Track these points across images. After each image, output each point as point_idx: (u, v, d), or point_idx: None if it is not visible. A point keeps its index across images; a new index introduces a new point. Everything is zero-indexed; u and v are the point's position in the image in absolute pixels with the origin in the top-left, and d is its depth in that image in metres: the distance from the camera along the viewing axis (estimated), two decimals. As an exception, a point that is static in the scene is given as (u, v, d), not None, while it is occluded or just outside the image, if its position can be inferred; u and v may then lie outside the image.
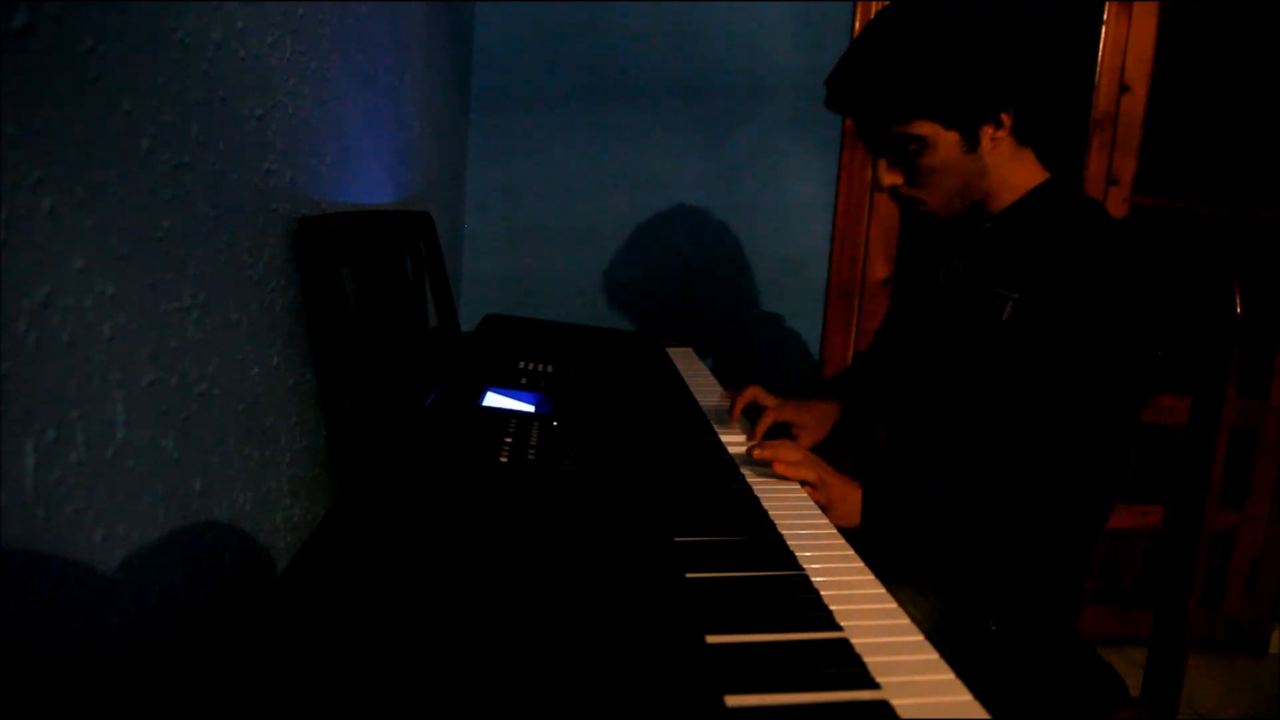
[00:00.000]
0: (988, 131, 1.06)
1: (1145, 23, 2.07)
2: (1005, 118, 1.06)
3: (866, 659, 0.58)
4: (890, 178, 1.11)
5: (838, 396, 1.38)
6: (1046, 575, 1.12)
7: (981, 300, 1.12)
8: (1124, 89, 2.08)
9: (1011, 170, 1.11)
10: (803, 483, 0.99)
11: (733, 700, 0.52)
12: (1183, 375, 1.10)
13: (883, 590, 0.71)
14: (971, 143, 1.06)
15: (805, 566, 0.74)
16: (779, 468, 0.99)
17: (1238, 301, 1.05)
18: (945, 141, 1.06)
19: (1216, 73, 2.20)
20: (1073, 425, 1.01)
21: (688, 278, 2.13)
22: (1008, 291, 1.08)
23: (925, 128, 1.05)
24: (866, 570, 0.75)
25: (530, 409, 1.13)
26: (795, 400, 1.30)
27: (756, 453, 1.01)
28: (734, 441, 1.13)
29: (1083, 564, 1.15)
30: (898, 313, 1.47)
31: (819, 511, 0.90)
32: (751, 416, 1.22)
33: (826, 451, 1.18)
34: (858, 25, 2.04)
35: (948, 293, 1.23)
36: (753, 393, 1.24)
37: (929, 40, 1.04)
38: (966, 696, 0.55)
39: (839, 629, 0.63)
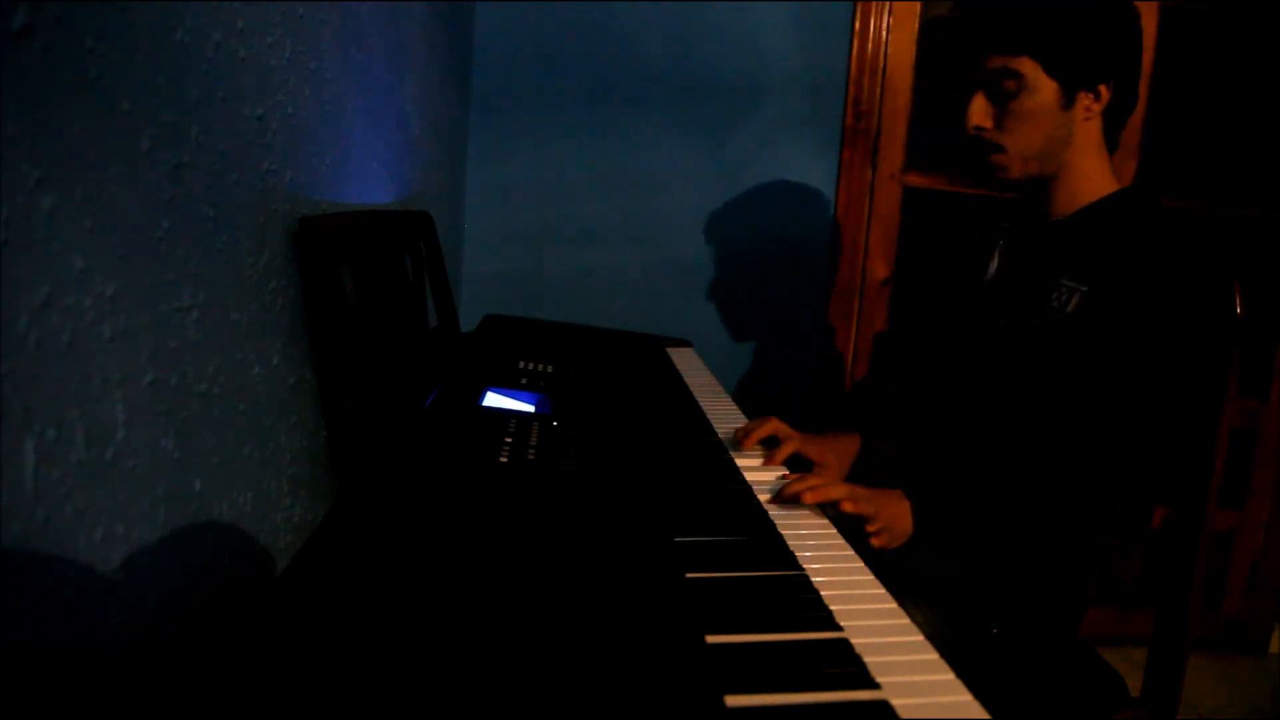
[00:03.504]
0: (1084, 98, 1.07)
1: (1145, 23, 2.05)
2: (1104, 90, 1.07)
3: (866, 659, 0.58)
4: (980, 117, 1.10)
5: (854, 428, 1.30)
6: (1051, 577, 1.11)
7: (1042, 290, 1.10)
8: (1124, 89, 2.08)
9: (1092, 165, 1.11)
10: (862, 519, 0.93)
11: (733, 700, 0.52)
12: (1183, 375, 1.10)
13: (883, 590, 0.71)
14: (1068, 100, 1.07)
15: (805, 566, 0.74)
16: (846, 506, 0.92)
17: (1238, 301, 1.05)
18: (1043, 88, 1.06)
19: (1216, 73, 2.20)
20: (1118, 423, 1.01)
21: (687, 278, 2.13)
22: (1075, 283, 1.07)
23: (1028, 66, 1.06)
24: (866, 570, 0.75)
25: (530, 409, 1.13)
26: (815, 435, 1.20)
27: (798, 492, 0.90)
28: (744, 457, 1.08)
29: (1086, 565, 1.14)
30: (924, 317, 1.42)
31: (819, 510, 0.90)
32: (768, 448, 1.12)
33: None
34: (857, 25, 2.04)
35: (997, 286, 1.20)
36: (773, 426, 1.12)
37: None
38: (966, 696, 0.55)
39: (839, 629, 0.63)
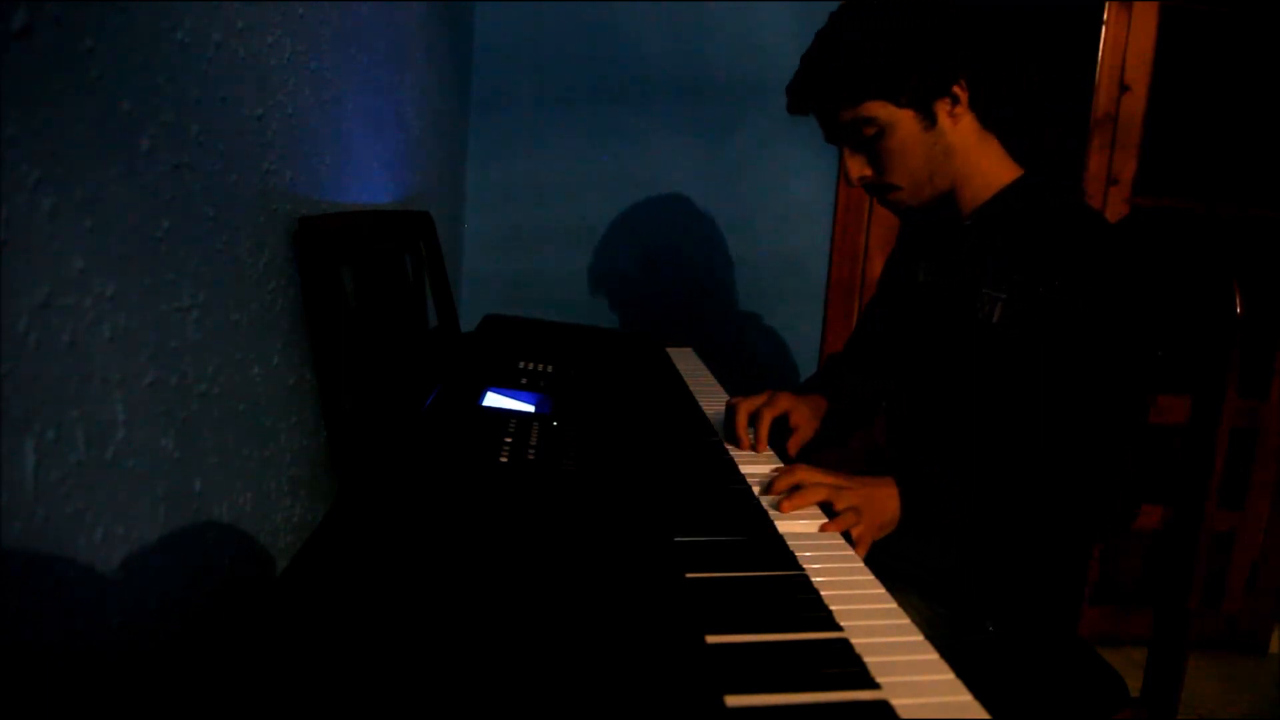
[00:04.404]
0: (944, 107, 1.05)
1: (1145, 23, 2.07)
2: (959, 92, 1.05)
3: (866, 659, 0.58)
4: (858, 169, 1.10)
5: (821, 391, 1.31)
6: (1046, 575, 1.11)
7: (968, 301, 1.10)
8: (1124, 89, 2.08)
9: (981, 158, 1.10)
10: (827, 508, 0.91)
11: (733, 700, 0.52)
12: (1183, 375, 1.10)
13: (883, 590, 0.71)
14: (929, 119, 1.05)
15: (805, 566, 0.74)
16: (829, 527, 0.86)
17: (1238, 301, 1.05)
18: (901, 120, 1.05)
19: (1216, 73, 2.20)
20: (1074, 426, 1.00)
21: (688, 278, 2.13)
22: (995, 292, 1.07)
23: (877, 109, 1.04)
24: (866, 570, 0.75)
25: (530, 409, 1.13)
26: (785, 391, 1.21)
27: (785, 507, 0.88)
28: (747, 463, 1.07)
29: (1082, 563, 1.14)
30: (880, 309, 1.41)
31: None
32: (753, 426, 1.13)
33: (816, 453, 1.15)
34: (858, 25, 2.04)
35: (929, 293, 1.20)
36: (744, 406, 1.12)
37: (866, 18, 1.06)
38: (966, 697, 0.55)
39: (839, 629, 0.63)
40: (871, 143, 1.07)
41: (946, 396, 1.15)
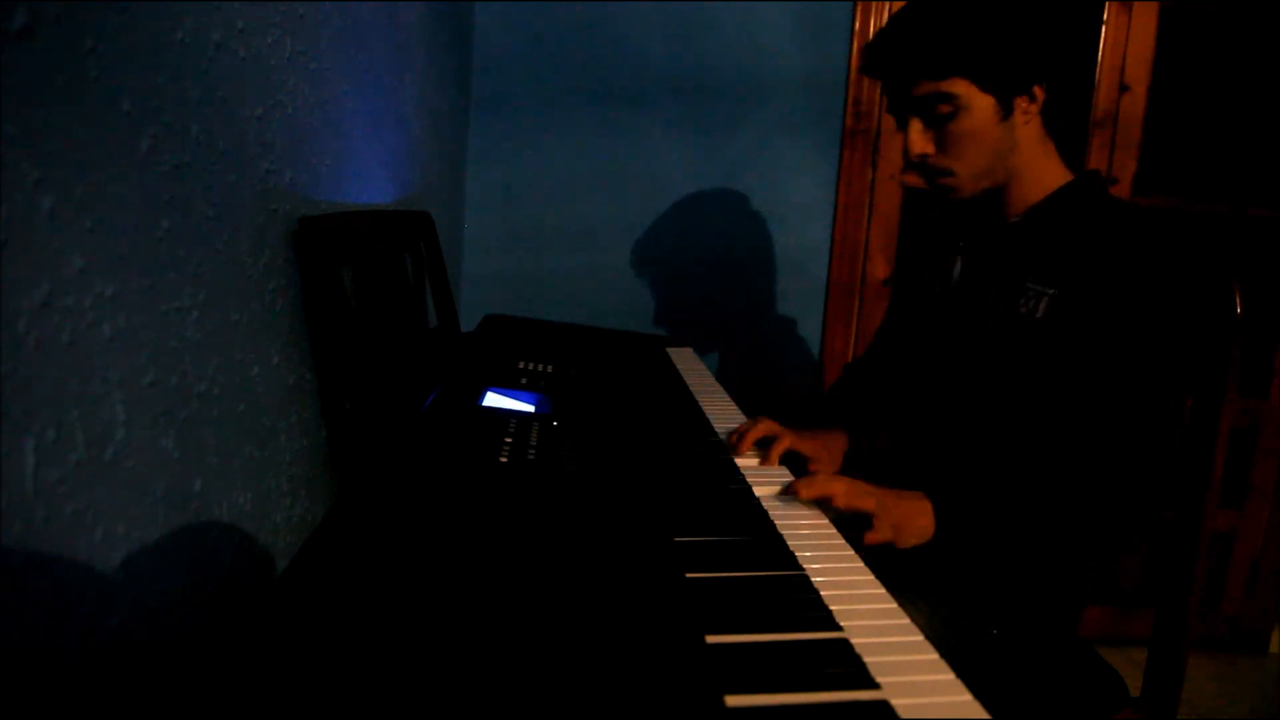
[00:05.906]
0: (1020, 104, 1.05)
1: (1145, 23, 2.07)
2: (1038, 91, 1.05)
3: (866, 659, 0.58)
4: (921, 145, 1.08)
5: (840, 424, 1.32)
6: (1052, 578, 1.11)
7: (1008, 295, 1.09)
8: (1124, 89, 2.08)
9: (1039, 160, 1.10)
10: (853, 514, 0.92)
11: (733, 700, 0.52)
12: (1183, 375, 1.10)
13: (883, 590, 0.71)
14: (1005, 110, 1.05)
15: (805, 566, 0.74)
16: (840, 501, 0.90)
17: (1238, 301, 1.05)
18: (979, 105, 1.04)
19: (1216, 73, 2.20)
20: (1120, 431, 0.99)
21: (688, 278, 2.13)
22: (1042, 287, 1.06)
23: (961, 86, 1.03)
24: (866, 570, 0.75)
25: (530, 409, 1.13)
26: (807, 431, 1.20)
27: (804, 493, 0.91)
28: (744, 457, 1.09)
29: (1087, 565, 1.14)
30: (896, 320, 1.40)
31: (819, 510, 0.90)
32: (763, 449, 1.11)
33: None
34: (857, 25, 2.04)
35: (963, 290, 1.18)
36: (765, 426, 1.11)
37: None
38: (966, 696, 0.55)
39: (839, 629, 0.63)
40: (941, 121, 1.06)
41: (969, 400, 1.13)
